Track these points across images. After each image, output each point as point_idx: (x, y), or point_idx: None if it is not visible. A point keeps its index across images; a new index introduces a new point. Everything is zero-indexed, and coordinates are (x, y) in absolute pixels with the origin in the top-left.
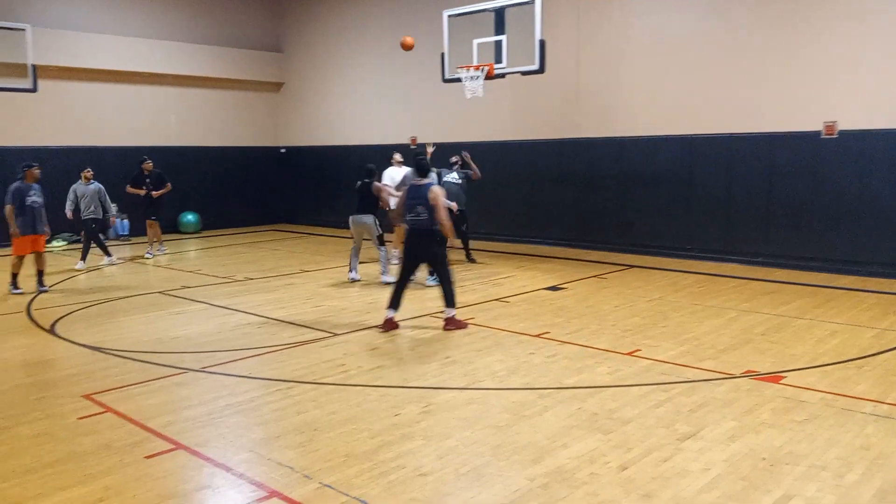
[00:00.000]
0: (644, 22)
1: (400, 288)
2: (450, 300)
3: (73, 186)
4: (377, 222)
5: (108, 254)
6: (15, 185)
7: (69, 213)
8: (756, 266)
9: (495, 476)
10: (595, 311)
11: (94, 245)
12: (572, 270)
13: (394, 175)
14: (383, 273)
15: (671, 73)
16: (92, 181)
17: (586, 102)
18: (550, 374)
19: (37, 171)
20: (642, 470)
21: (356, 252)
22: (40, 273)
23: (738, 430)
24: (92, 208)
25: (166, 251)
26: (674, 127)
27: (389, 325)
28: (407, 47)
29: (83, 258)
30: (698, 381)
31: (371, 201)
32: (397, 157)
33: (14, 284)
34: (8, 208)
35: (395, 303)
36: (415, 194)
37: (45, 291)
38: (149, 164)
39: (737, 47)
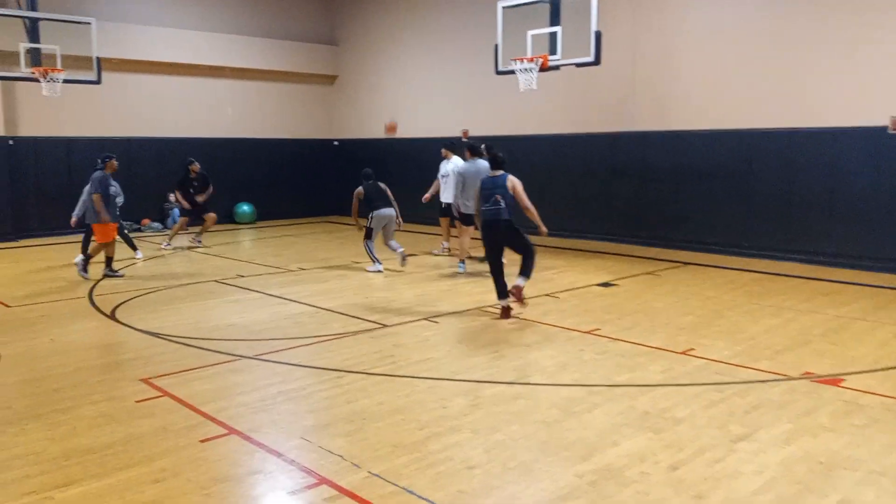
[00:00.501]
0: (701, 13)
1: (498, 275)
2: (528, 272)
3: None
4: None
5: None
6: (98, 174)
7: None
8: (816, 265)
9: (543, 471)
10: (647, 308)
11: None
12: (624, 266)
13: (445, 168)
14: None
15: (729, 64)
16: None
17: (642, 95)
18: (601, 371)
19: (115, 163)
20: (694, 470)
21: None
22: (109, 259)
23: (794, 432)
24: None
25: (201, 245)
26: (732, 120)
27: (506, 314)
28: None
29: (135, 247)
30: (753, 381)
31: (385, 197)
32: (445, 152)
33: (110, 268)
34: (96, 197)
35: (502, 291)
36: (491, 185)
37: (119, 276)
38: (196, 167)
39: (798, 38)
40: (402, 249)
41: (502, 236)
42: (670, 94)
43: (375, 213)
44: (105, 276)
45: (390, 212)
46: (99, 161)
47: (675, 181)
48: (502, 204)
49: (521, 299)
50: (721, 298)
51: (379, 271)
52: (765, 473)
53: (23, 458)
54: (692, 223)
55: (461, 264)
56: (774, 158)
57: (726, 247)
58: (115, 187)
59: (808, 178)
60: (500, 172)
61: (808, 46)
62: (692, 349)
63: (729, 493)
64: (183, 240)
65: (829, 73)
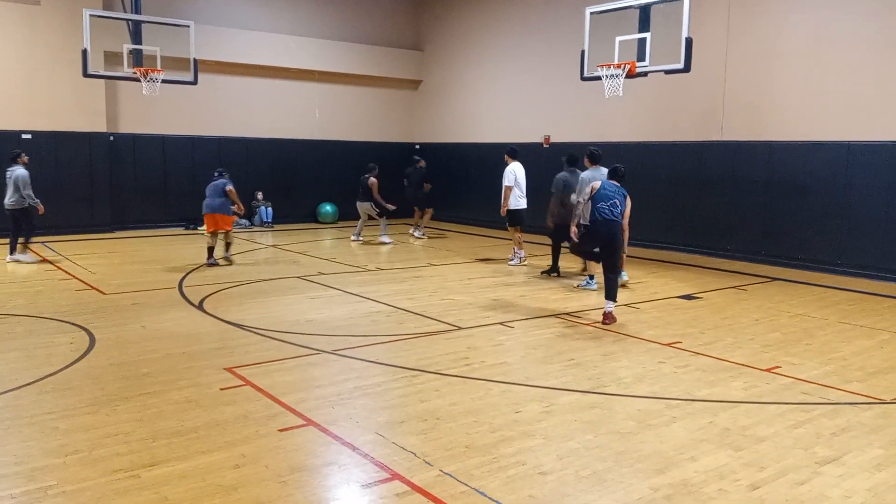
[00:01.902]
0: (802, 18)
1: (610, 278)
2: (614, 294)
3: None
4: (373, 206)
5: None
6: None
7: None
8: None
9: (617, 482)
10: (732, 323)
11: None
12: (709, 279)
13: (516, 171)
14: (382, 234)
15: (830, 73)
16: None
17: (733, 103)
18: (680, 384)
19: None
20: (775, 491)
21: (362, 224)
22: (228, 245)
23: (886, 458)
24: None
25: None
26: (830, 132)
27: (610, 318)
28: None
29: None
30: (843, 403)
31: (367, 191)
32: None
33: (225, 254)
34: (230, 188)
35: (612, 294)
36: (612, 192)
37: (216, 265)
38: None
39: None
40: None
41: (611, 242)
42: (763, 103)
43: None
44: (216, 263)
45: (359, 203)
46: (215, 174)
47: (767, 193)
48: (617, 211)
49: (613, 320)
50: (811, 316)
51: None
52: (852, 499)
53: (113, 437)
54: (783, 238)
55: (590, 281)
56: (876, 173)
57: (819, 263)
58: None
59: None
60: (618, 184)
61: None
62: (778, 367)
63: None
64: (269, 238)
65: None
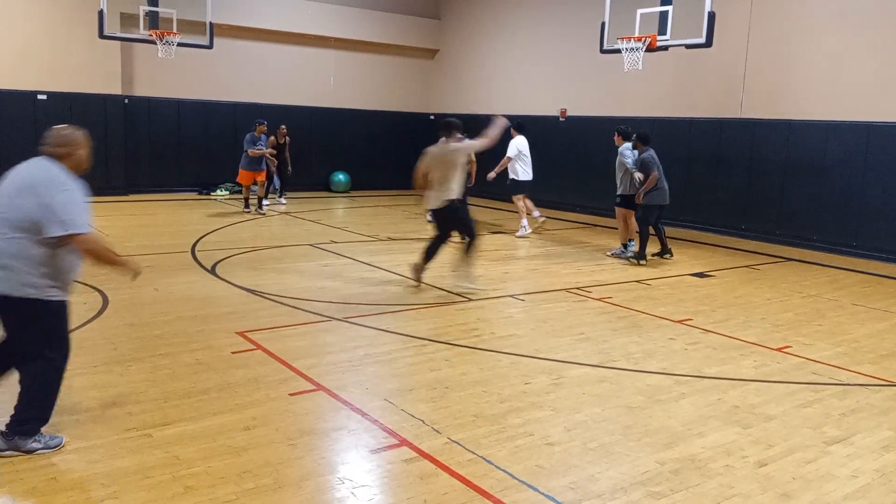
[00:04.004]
0: None
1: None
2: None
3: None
4: None
5: None
6: (249, 135)
7: None
8: None
9: (624, 455)
10: (744, 302)
11: None
12: (722, 258)
13: (519, 145)
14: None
15: (853, 52)
16: None
17: (754, 81)
18: (690, 361)
19: (264, 127)
20: (783, 469)
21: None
22: (261, 200)
23: (895, 440)
24: None
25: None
26: (851, 112)
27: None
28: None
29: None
30: (853, 384)
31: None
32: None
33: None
34: (251, 151)
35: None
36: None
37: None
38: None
39: None
40: None
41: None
42: (784, 81)
43: None
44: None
45: None
46: (254, 124)
47: (783, 173)
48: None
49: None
50: (824, 297)
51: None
52: (859, 479)
53: (126, 397)
54: (798, 218)
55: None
56: (894, 154)
57: (833, 245)
58: (261, 145)
59: None
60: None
61: None
62: (789, 346)
63: (819, 496)
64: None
65: None
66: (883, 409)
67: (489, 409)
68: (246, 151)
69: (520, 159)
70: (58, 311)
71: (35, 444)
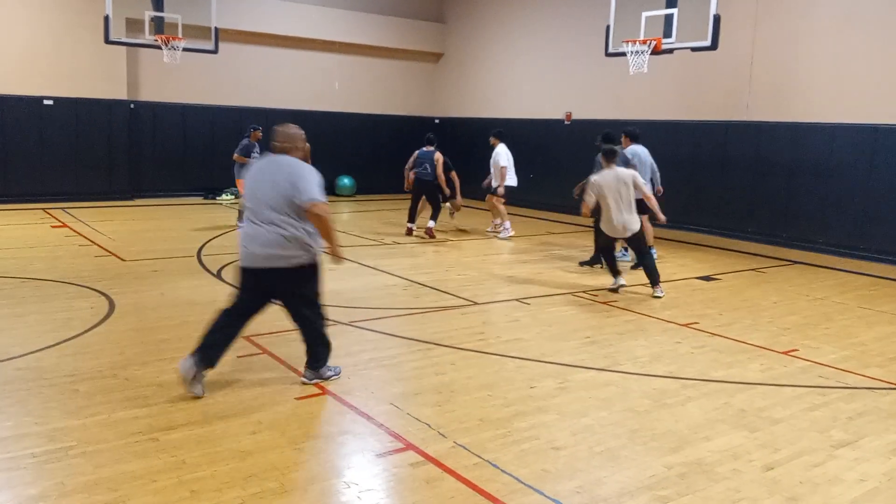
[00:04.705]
0: None
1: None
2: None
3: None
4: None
5: None
6: (245, 141)
7: None
8: None
9: (630, 459)
10: (750, 305)
11: None
12: (728, 261)
13: (507, 152)
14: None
15: (859, 54)
16: None
17: (759, 83)
18: (697, 364)
19: (259, 133)
20: (790, 472)
21: None
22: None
23: None
24: None
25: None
26: (857, 114)
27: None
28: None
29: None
30: (861, 388)
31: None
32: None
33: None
34: (237, 156)
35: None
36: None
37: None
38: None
39: None
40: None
41: None
42: (790, 83)
43: None
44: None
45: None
46: (247, 129)
47: (789, 175)
48: None
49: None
50: (830, 300)
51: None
52: (867, 483)
53: (132, 401)
54: (804, 221)
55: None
56: None
57: (840, 248)
58: (256, 152)
59: None
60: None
61: None
62: (796, 350)
63: (826, 499)
64: None
65: None
66: (891, 412)
67: (495, 412)
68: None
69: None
70: (317, 269)
71: (329, 373)
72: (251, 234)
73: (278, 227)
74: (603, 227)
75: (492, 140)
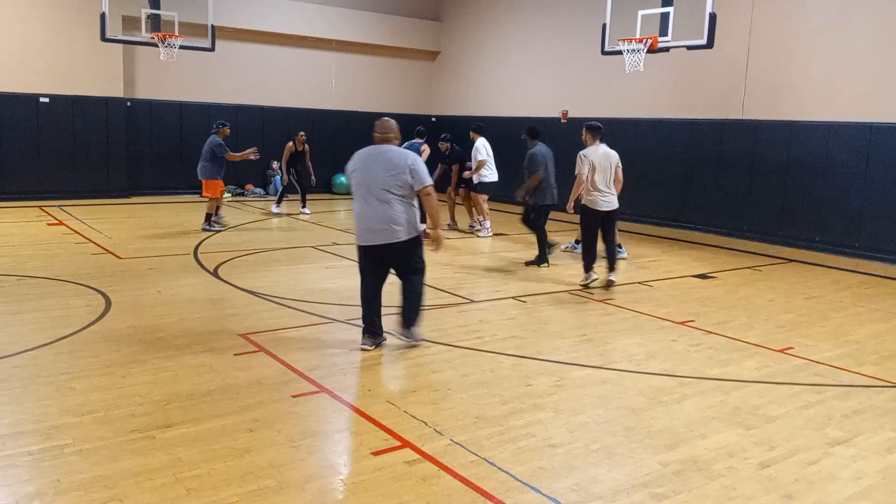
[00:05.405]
0: None
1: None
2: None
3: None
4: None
5: None
6: (213, 138)
7: None
8: None
9: (626, 456)
10: (746, 303)
11: None
12: (724, 259)
13: (487, 146)
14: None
15: (854, 52)
16: None
17: (755, 81)
18: (692, 362)
19: (228, 129)
20: (785, 470)
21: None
22: (216, 210)
23: None
24: None
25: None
26: (852, 113)
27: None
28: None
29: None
30: (856, 386)
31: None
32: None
33: (208, 222)
34: (231, 154)
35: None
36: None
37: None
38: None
39: None
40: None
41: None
42: (785, 82)
43: None
44: (204, 229)
45: None
46: (214, 126)
47: (785, 174)
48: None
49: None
50: (826, 298)
51: None
52: (862, 480)
53: (128, 399)
54: (800, 219)
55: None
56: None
57: (836, 246)
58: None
59: None
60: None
61: None
62: (791, 348)
63: (822, 497)
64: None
65: None
66: (886, 410)
67: (491, 410)
68: (221, 157)
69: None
70: (420, 241)
71: (420, 336)
72: (367, 215)
73: (391, 206)
74: (588, 202)
75: (471, 135)
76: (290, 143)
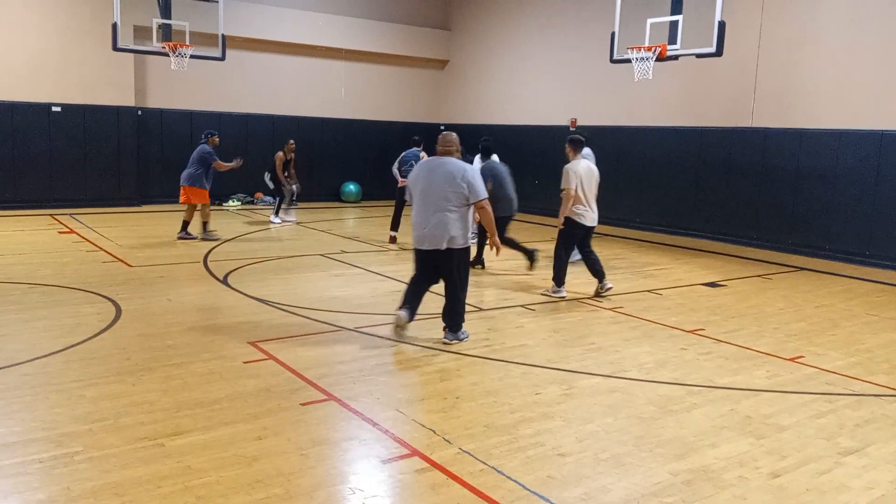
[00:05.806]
0: (836, 3)
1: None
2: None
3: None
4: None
5: None
6: (202, 146)
7: None
8: None
9: (636, 466)
10: (757, 311)
11: None
12: (734, 267)
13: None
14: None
15: (864, 60)
16: None
17: (764, 89)
18: (702, 371)
19: (217, 139)
20: (796, 480)
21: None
22: (205, 223)
23: None
24: None
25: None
26: (862, 120)
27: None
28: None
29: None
30: (868, 395)
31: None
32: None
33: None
34: (218, 163)
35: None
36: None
37: (194, 238)
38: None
39: None
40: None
41: None
42: (795, 89)
43: None
44: (187, 236)
45: None
46: (203, 135)
47: (795, 181)
48: None
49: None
50: (837, 307)
51: None
52: (874, 490)
53: (138, 406)
54: (811, 227)
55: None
56: None
57: (847, 254)
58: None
59: None
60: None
61: None
62: (802, 357)
63: None
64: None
65: None
66: None
67: (500, 419)
68: (209, 165)
69: None
70: (468, 250)
71: (463, 336)
72: (423, 222)
73: (446, 216)
74: (577, 216)
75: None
76: (280, 153)
